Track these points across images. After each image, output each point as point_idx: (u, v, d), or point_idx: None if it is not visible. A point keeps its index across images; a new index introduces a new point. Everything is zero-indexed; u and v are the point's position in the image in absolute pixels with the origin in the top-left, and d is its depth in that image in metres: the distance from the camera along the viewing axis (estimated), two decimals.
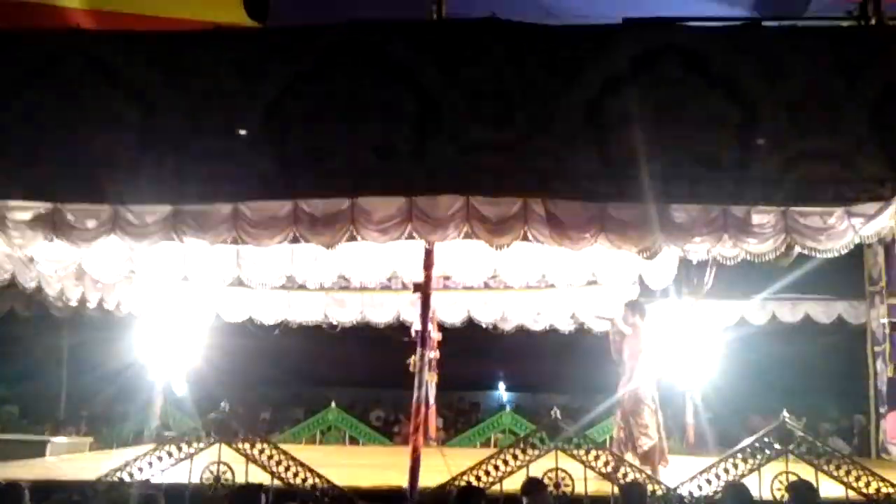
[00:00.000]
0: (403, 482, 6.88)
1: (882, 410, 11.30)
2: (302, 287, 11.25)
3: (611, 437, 11.85)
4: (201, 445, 6.89)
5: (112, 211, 7.19)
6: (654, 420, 8.36)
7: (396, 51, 7.26)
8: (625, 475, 6.75)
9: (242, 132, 7.09)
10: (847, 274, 11.11)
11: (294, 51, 7.36)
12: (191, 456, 6.84)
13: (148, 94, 7.19)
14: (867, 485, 6.71)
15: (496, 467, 6.83)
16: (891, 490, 6.67)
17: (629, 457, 8.13)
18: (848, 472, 6.77)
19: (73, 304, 9.90)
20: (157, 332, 11.89)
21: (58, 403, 15.91)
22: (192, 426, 7.53)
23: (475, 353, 15.28)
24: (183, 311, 11.70)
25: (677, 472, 7.86)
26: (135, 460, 6.82)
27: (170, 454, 6.82)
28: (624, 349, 8.61)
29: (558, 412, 7.17)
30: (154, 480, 6.73)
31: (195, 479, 6.71)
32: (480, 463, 6.87)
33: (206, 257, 9.10)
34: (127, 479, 6.69)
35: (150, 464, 6.78)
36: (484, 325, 12.51)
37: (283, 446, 7.16)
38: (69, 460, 9.69)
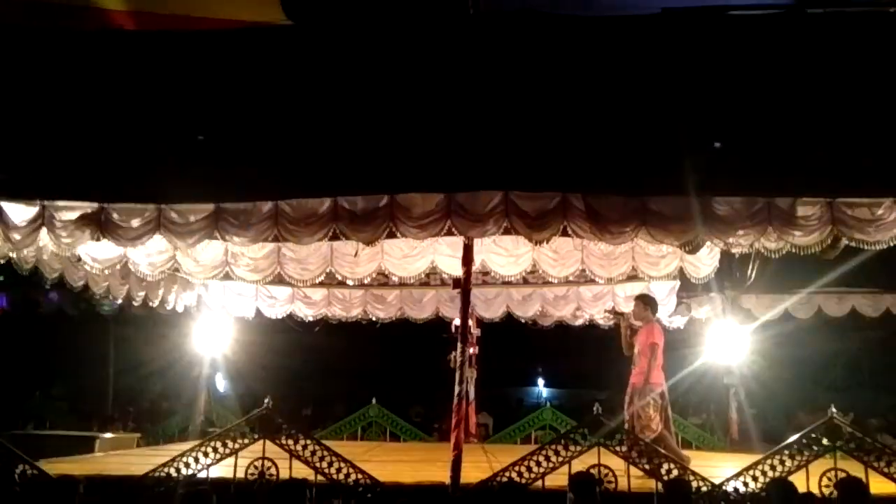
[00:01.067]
0: (445, 478, 6.89)
1: None
2: (342, 283, 11.33)
3: None
4: (246, 441, 6.99)
5: (156, 210, 7.30)
6: (659, 415, 8.27)
7: (434, 45, 7.27)
8: (668, 472, 6.68)
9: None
10: (894, 266, 10.84)
11: (338, 48, 7.40)
12: (236, 452, 6.93)
13: (192, 94, 7.28)
14: None
15: (538, 463, 6.80)
16: None
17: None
18: None
19: (119, 301, 10.10)
20: (200, 328, 12.07)
21: (105, 400, 16.26)
22: (236, 422, 7.62)
23: (514, 348, 15.24)
24: (225, 308, 11.86)
25: (721, 469, 7.76)
26: (181, 456, 6.92)
27: (215, 450, 6.92)
28: (635, 343, 8.54)
29: (600, 408, 7.12)
30: (200, 475, 6.84)
31: (240, 475, 6.80)
32: (522, 459, 6.85)
33: (248, 254, 9.22)
34: (174, 474, 6.80)
35: (196, 459, 6.89)
36: (523, 321, 12.46)
37: (326, 442, 7.22)
38: (117, 456, 9.88)
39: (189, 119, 7.30)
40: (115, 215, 7.31)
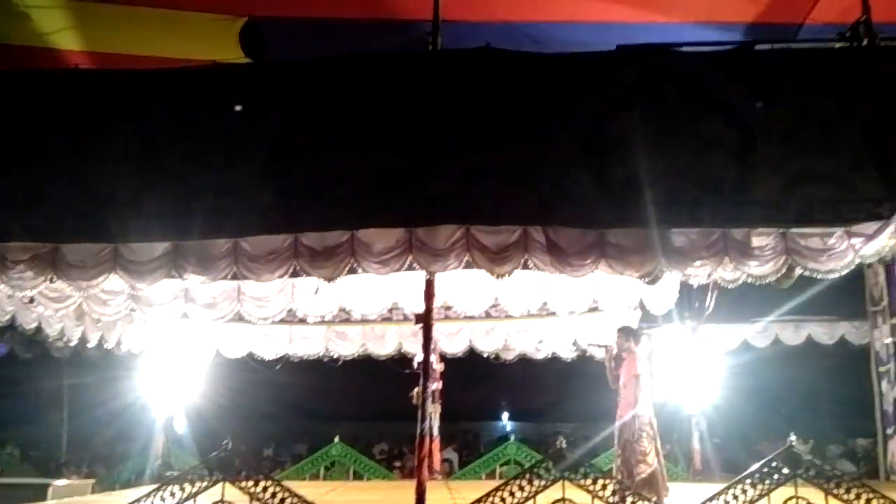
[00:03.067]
0: None
1: (889, 431, 11.20)
2: (302, 321, 11.22)
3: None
4: (204, 484, 6.81)
5: (112, 249, 7.18)
6: (653, 446, 8.25)
7: (395, 81, 7.32)
8: None
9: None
10: (848, 294, 11.10)
11: (297, 84, 7.41)
12: (194, 495, 6.75)
13: (150, 130, 7.21)
14: None
15: (503, 499, 6.73)
16: None
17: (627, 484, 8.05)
18: (858, 496, 6.69)
19: (73, 343, 9.84)
20: (157, 369, 11.82)
21: (59, 445, 15.79)
22: (193, 464, 7.43)
23: (478, 382, 15.20)
24: (183, 348, 11.65)
25: (685, 500, 7.77)
26: (137, 502, 6.72)
27: (172, 494, 6.72)
28: (620, 375, 8.54)
29: (564, 441, 7.09)
30: None
31: None
32: (486, 495, 6.77)
33: (207, 293, 9.09)
34: None
35: None
36: (486, 355, 12.44)
37: (287, 483, 7.07)
38: (72, 503, 9.56)
39: (145, 154, 7.21)
40: (69, 256, 7.16)
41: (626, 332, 8.75)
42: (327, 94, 7.36)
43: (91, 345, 9.96)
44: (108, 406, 13.28)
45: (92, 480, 11.96)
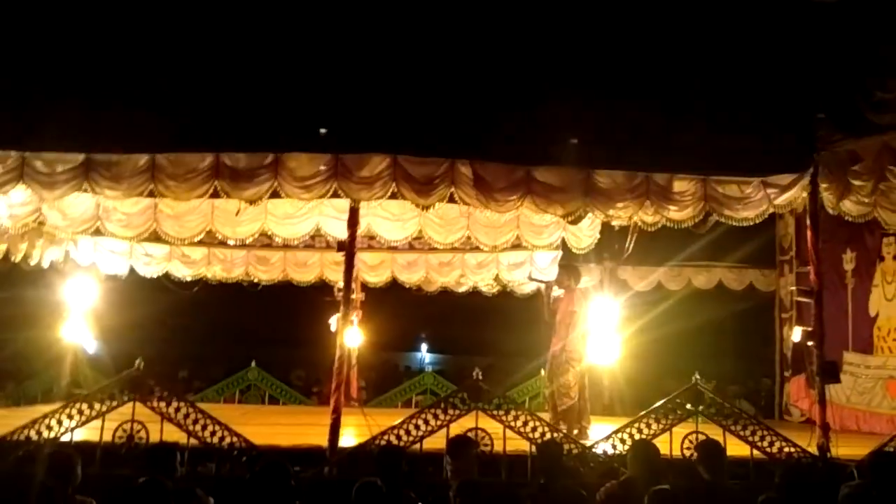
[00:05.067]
0: (323, 442, 6.84)
1: (787, 374, 11.83)
2: (222, 244, 10.98)
3: (529, 399, 12.14)
4: (114, 403, 6.69)
5: (19, 158, 6.82)
6: (578, 381, 8.50)
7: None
8: (542, 435, 6.88)
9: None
10: (759, 243, 11.51)
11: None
12: (103, 414, 6.64)
13: (66, 29, 6.82)
14: (770, 444, 7.03)
15: (417, 427, 6.86)
16: (792, 449, 7.02)
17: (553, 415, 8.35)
18: (753, 433, 7.08)
19: None
20: (68, 286, 11.43)
21: None
22: (104, 384, 7.28)
23: (399, 314, 15.26)
24: (96, 265, 11.28)
25: (595, 433, 8.07)
26: (43, 418, 6.58)
27: (80, 412, 6.60)
28: (557, 311, 8.71)
29: (480, 373, 7.23)
30: (64, 438, 6.51)
31: (108, 438, 6.52)
32: (401, 423, 6.89)
33: (122, 209, 8.76)
34: (34, 437, 6.45)
35: (60, 422, 6.56)
36: (408, 286, 12.47)
37: (201, 405, 7.02)
38: None
39: (60, 56, 6.82)
40: None
41: (568, 270, 8.90)
42: (259, 12, 7.09)
43: None
44: (14, 321, 12.81)
45: None
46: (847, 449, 7.17)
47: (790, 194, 7.48)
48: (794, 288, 11.00)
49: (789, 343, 11.27)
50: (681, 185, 7.47)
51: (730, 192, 7.47)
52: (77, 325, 11.37)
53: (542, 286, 9.38)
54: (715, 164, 7.34)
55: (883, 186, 7.21)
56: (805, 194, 7.53)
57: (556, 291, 8.80)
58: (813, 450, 7.07)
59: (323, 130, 6.95)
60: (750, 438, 7.04)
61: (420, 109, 7.07)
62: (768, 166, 7.35)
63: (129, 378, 6.76)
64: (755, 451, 7.01)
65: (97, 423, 6.60)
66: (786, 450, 7.01)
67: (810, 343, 7.84)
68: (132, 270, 11.50)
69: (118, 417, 6.66)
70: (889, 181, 7.14)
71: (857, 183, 7.35)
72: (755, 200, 7.45)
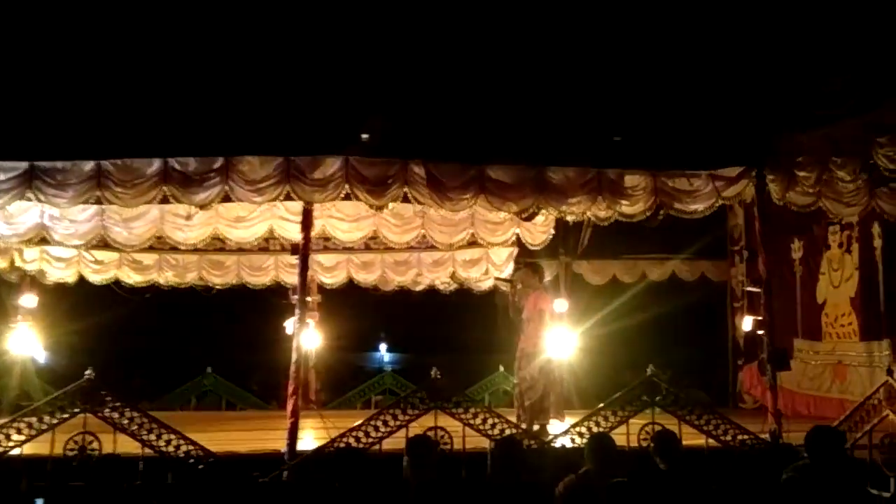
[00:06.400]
0: (282, 446, 6.78)
1: (739, 363, 12.07)
2: (174, 249, 10.78)
3: (489, 395, 12.20)
4: (65, 415, 6.54)
5: None
6: (545, 377, 8.49)
7: None
8: (501, 431, 6.90)
9: None
10: (710, 234, 11.72)
11: None
12: (53, 426, 6.48)
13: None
14: (725, 433, 7.16)
15: (376, 428, 6.84)
16: (745, 437, 7.16)
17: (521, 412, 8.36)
18: (708, 422, 7.20)
19: None
20: (14, 295, 11.13)
21: None
22: (54, 395, 7.11)
23: (355, 314, 15.19)
24: (43, 273, 10.99)
25: (553, 427, 8.12)
26: None
27: (29, 426, 6.44)
28: (523, 308, 8.70)
29: (438, 372, 7.23)
30: (12, 454, 6.35)
31: (59, 451, 6.36)
32: (360, 424, 6.86)
33: (69, 217, 8.56)
34: None
35: (8, 436, 6.38)
36: (364, 287, 12.40)
37: (157, 414, 6.90)
38: None
39: (2, 61, 6.66)
40: None
41: (533, 268, 8.91)
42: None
43: None
44: None
45: None
46: (799, 434, 7.31)
47: (737, 186, 7.64)
48: (744, 278, 11.24)
49: (741, 332, 11.49)
50: (632, 179, 7.58)
51: (679, 186, 7.60)
52: (25, 335, 11.08)
53: (507, 286, 9.34)
54: (664, 159, 7.47)
55: (826, 177, 7.40)
56: (752, 186, 7.68)
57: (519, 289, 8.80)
58: (766, 436, 7.22)
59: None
60: (705, 428, 7.16)
61: (370, 110, 7.06)
62: (716, 160, 7.49)
63: (80, 388, 6.60)
64: (710, 441, 7.12)
65: (47, 436, 6.44)
66: (739, 437, 7.14)
67: (760, 331, 8.01)
68: (81, 278, 11.24)
69: (70, 430, 6.50)
70: (832, 172, 7.33)
71: (801, 174, 7.53)
72: (704, 193, 7.59)
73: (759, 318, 8.08)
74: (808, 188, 7.61)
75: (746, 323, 8.94)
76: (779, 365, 7.65)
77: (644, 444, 6.74)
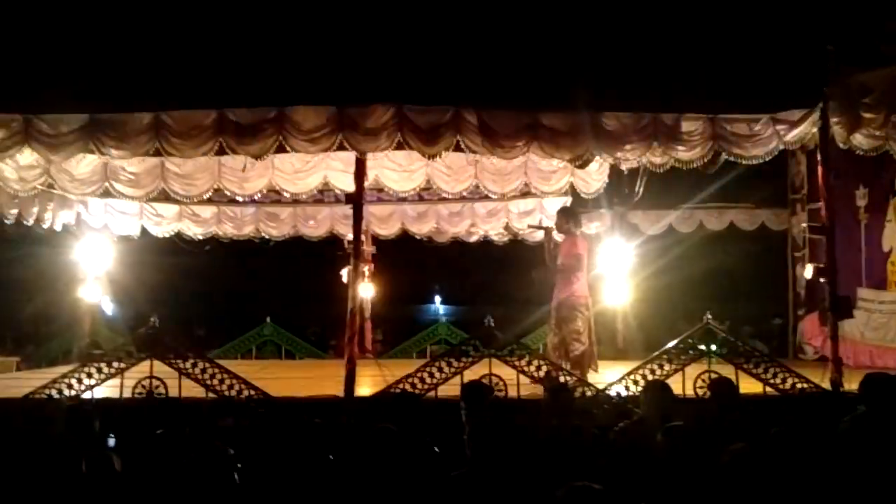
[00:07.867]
0: (340, 392, 6.93)
1: (800, 313, 11.83)
2: (232, 201, 10.99)
3: (544, 344, 12.21)
4: (132, 361, 6.79)
5: (24, 121, 6.82)
6: (587, 326, 8.42)
7: None
8: (555, 379, 6.92)
9: None
10: (770, 182, 11.42)
11: None
12: (121, 371, 6.74)
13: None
14: (783, 381, 7.05)
15: (431, 375, 6.93)
16: (805, 385, 7.04)
17: (563, 362, 8.31)
18: (766, 370, 7.10)
19: None
20: (82, 248, 11.52)
21: None
22: (122, 343, 7.38)
23: (410, 266, 15.31)
24: (108, 226, 11.32)
25: (607, 376, 8.10)
26: (63, 377, 6.69)
27: (99, 370, 6.71)
28: (559, 256, 8.61)
29: (492, 320, 7.26)
30: (85, 396, 6.63)
31: (127, 395, 6.63)
32: (415, 371, 6.96)
33: (129, 169, 8.78)
34: (55, 395, 6.57)
35: (80, 380, 6.67)
36: (418, 238, 12.46)
37: (218, 361, 7.11)
38: None
39: (61, 19, 6.80)
40: None
41: (567, 214, 8.72)
42: None
43: (8, 221, 9.56)
44: (33, 285, 12.95)
45: (16, 358, 11.80)
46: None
47: (800, 130, 7.38)
48: (805, 225, 10.94)
49: (802, 282, 11.23)
50: (689, 124, 7.38)
51: (739, 131, 7.37)
52: (93, 286, 11.49)
53: (542, 232, 9.19)
54: (723, 102, 7.24)
55: (895, 118, 7.10)
56: (815, 129, 7.41)
57: (557, 236, 8.67)
58: (826, 385, 7.10)
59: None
60: (762, 376, 7.06)
61: (424, 58, 7.00)
62: (777, 102, 7.24)
63: (146, 336, 6.84)
64: (768, 389, 7.03)
65: (116, 381, 6.70)
66: (798, 385, 7.03)
67: (822, 279, 7.81)
68: (144, 231, 11.55)
69: (138, 375, 6.75)
70: None
71: (868, 116, 7.23)
72: (765, 138, 7.36)
73: (821, 265, 7.88)
74: (874, 130, 7.31)
75: (808, 271, 8.72)
76: (841, 313, 7.47)
77: (700, 392, 6.71)
